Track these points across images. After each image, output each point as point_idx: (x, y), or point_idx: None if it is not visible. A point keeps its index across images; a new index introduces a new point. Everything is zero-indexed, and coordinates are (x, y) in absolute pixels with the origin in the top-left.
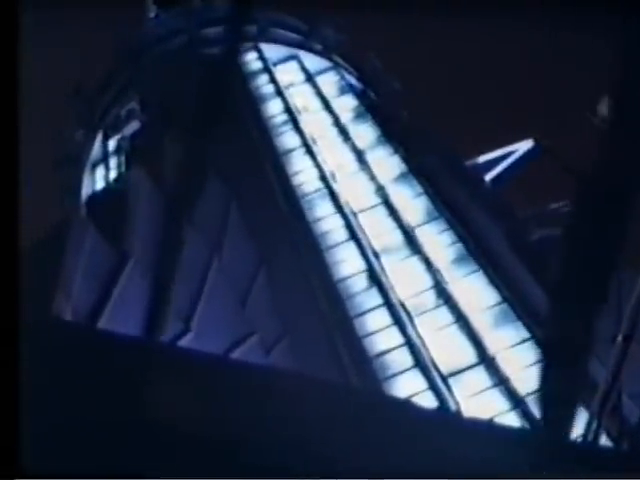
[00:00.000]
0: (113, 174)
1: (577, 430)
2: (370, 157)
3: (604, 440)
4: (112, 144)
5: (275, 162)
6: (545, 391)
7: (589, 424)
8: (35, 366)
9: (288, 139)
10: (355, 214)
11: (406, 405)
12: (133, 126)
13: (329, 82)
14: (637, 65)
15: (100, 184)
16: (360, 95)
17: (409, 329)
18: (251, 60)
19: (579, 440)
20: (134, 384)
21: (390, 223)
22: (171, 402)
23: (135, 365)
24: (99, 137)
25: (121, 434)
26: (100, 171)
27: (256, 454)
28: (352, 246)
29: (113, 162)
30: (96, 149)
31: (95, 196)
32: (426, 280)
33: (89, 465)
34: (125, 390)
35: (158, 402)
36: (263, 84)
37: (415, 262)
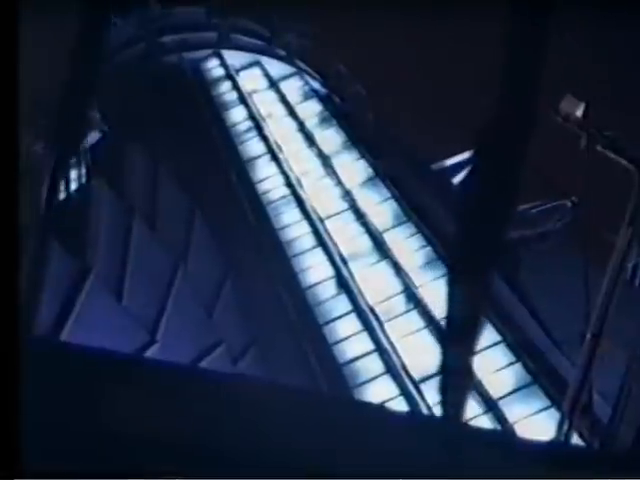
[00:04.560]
0: (74, 185)
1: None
2: (336, 162)
3: (575, 440)
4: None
5: (240, 170)
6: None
7: (561, 424)
8: (34, 368)
9: (253, 146)
10: (322, 220)
11: (378, 410)
12: (93, 136)
13: (293, 88)
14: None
15: (60, 196)
16: (325, 100)
17: (379, 335)
18: (213, 67)
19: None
20: (100, 396)
21: (358, 228)
22: (139, 414)
23: (101, 377)
24: None
25: (93, 442)
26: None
27: (227, 462)
28: (320, 252)
29: (73, 173)
30: None
31: (55, 208)
32: (395, 285)
33: (89, 465)
34: (93, 401)
35: (127, 414)
36: (226, 91)
37: (384, 267)
